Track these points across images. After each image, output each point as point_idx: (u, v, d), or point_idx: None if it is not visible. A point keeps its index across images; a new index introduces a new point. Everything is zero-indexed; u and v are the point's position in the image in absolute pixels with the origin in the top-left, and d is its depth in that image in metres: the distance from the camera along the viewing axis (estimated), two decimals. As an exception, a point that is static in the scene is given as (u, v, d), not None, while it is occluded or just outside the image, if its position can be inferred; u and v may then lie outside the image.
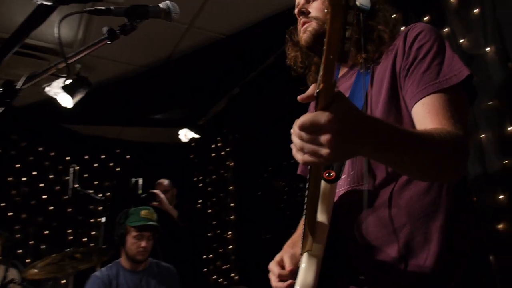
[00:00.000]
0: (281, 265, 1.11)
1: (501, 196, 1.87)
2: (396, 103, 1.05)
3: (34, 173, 4.78)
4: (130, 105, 4.33)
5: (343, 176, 1.10)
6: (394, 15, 1.24)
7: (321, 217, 1.01)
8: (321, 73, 0.65)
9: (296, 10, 1.24)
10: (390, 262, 0.97)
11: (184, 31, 3.38)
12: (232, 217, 4.62)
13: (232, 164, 4.79)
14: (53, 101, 3.29)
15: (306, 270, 0.95)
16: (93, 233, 4.86)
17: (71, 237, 4.80)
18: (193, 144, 5.25)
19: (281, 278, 1.07)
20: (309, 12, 1.20)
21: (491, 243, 1.92)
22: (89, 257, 2.81)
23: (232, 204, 4.65)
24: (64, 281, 3.53)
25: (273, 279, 1.09)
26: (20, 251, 4.40)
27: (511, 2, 1.93)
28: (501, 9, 1.99)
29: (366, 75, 1.12)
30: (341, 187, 1.10)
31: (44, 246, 4.56)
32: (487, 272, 1.06)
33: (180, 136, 4.75)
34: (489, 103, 2.00)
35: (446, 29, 2.33)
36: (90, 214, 4.87)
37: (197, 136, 4.70)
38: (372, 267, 0.99)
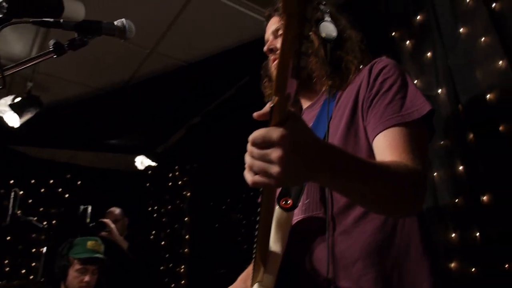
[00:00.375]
0: None
1: (453, 235, 1.90)
2: (355, 134, 1.04)
3: (-28, 196, 4.42)
4: (85, 128, 4.15)
5: (299, 204, 1.06)
6: (361, 41, 1.26)
7: (274, 246, 0.97)
8: (273, 86, 0.62)
9: (265, 48, 1.26)
10: None
11: (145, 55, 3.32)
12: (186, 250, 4.44)
13: (188, 194, 4.66)
14: (-1, 121, 3.10)
15: None
16: (34, 264, 4.49)
17: (8, 268, 4.40)
18: (149, 172, 5.09)
19: None
20: (278, 49, 1.21)
21: (444, 281, 1.92)
22: (25, 292, 2.57)
23: (187, 237, 4.48)
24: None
25: None
26: None
27: (460, 48, 2.04)
28: (451, 54, 2.10)
29: (331, 104, 1.12)
30: (296, 216, 1.06)
31: (-24, 278, 4.16)
32: None
33: (136, 163, 4.61)
34: (441, 142, 2.06)
35: (402, 70, 2.43)
36: (31, 244, 4.51)
37: (154, 164, 4.57)
38: None
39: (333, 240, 0.98)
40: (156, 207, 5.17)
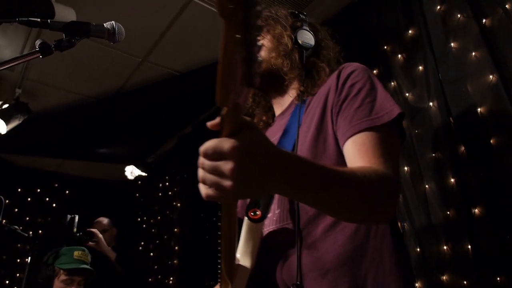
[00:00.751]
0: None
1: (445, 247, 1.89)
2: (324, 140, 1.03)
3: (-45, 205, 4.31)
4: (74, 137, 4.10)
5: (269, 215, 1.04)
6: (339, 53, 1.28)
7: (243, 259, 0.94)
8: (217, 97, 0.58)
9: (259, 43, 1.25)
10: None
11: (137, 64, 3.31)
12: (175, 261, 4.36)
13: (179, 205, 4.59)
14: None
15: None
16: (18, 275, 4.37)
17: (-9, 279, 4.29)
18: (139, 182, 5.02)
19: None
20: None
21: (435, 295, 1.91)
22: (6, 303, 2.48)
23: (176, 248, 4.41)
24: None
25: None
26: None
27: (451, 62, 2.06)
28: (442, 68, 2.12)
29: (301, 110, 1.12)
30: (267, 226, 1.04)
31: (-43, 289, 4.04)
32: None
33: (126, 173, 4.54)
34: (433, 154, 2.07)
35: (393, 83, 2.44)
36: (16, 254, 4.40)
37: (144, 174, 4.52)
38: None
39: (303, 251, 0.95)
40: (145, 218, 5.09)
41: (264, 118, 1.34)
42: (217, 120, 0.62)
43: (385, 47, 2.51)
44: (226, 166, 0.59)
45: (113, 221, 3.77)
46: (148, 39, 3.04)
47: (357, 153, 0.93)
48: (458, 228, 1.87)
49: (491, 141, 1.82)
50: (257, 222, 0.94)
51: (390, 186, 0.86)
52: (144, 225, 5.05)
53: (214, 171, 0.60)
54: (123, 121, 3.90)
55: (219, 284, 0.91)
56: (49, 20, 0.90)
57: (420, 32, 2.29)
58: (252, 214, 0.93)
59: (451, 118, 2.02)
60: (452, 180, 1.94)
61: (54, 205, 4.99)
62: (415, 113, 2.23)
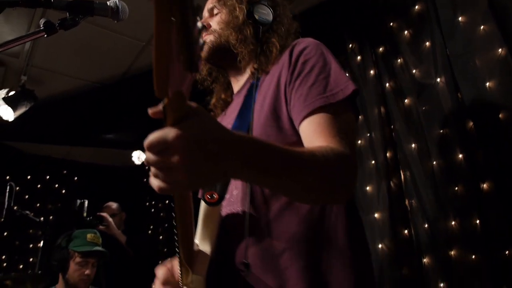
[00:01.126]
0: (171, 272, 0.98)
1: (453, 223, 1.89)
2: (279, 119, 1.00)
3: (-33, 193, 4.39)
4: (80, 123, 4.11)
5: (227, 196, 1.01)
6: (296, 29, 1.23)
7: (202, 244, 0.92)
8: (155, 86, 0.53)
9: (199, 24, 1.21)
10: None
11: (141, 48, 3.29)
12: (184, 244, 4.43)
13: (186, 188, 4.63)
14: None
15: None
16: (31, 259, 4.47)
17: (5, 264, 4.38)
18: (146, 167, 5.05)
19: None
20: (210, 26, 1.19)
21: (443, 269, 1.92)
22: (22, 285, 2.53)
23: (185, 231, 4.47)
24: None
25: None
26: None
27: (459, 36, 2.03)
28: (450, 43, 2.08)
29: (256, 89, 1.08)
30: (225, 208, 1.01)
31: (-27, 274, 4.14)
32: None
33: (133, 158, 4.58)
34: (440, 131, 2.06)
35: (400, 59, 2.41)
36: (28, 239, 4.49)
37: (151, 158, 4.54)
38: None
39: (257, 232, 0.93)
40: (153, 202, 5.14)
41: (223, 96, 1.31)
42: (159, 107, 0.57)
43: (392, 24, 2.47)
44: (173, 158, 0.55)
45: (121, 206, 3.81)
46: (151, 22, 3.00)
47: (313, 132, 0.91)
48: (466, 204, 1.87)
49: (500, 115, 1.80)
50: (215, 205, 0.91)
51: (349, 164, 0.84)
52: (153, 210, 5.11)
53: (162, 165, 0.56)
54: (129, 106, 3.90)
55: (179, 273, 0.88)
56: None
57: (427, 7, 2.24)
58: (209, 197, 0.90)
59: (459, 94, 2.00)
60: (460, 155, 1.93)
61: (63, 191, 5.05)
62: (422, 90, 2.21)
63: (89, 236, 2.53)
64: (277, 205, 0.95)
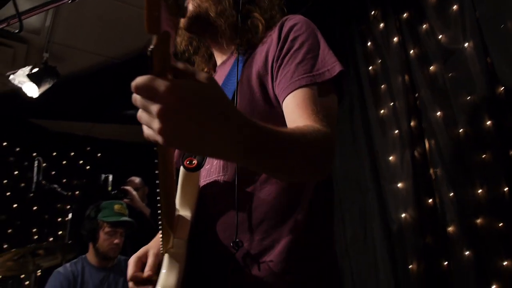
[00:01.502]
0: (143, 261, 1.01)
1: (480, 191, 1.86)
2: (264, 96, 0.99)
3: (-3, 169, 4.55)
4: (102, 100, 4.16)
5: (207, 166, 1.01)
6: (280, 1, 1.17)
7: (182, 210, 0.93)
8: (145, 22, 0.50)
9: None
10: (241, 263, 0.90)
11: (160, 21, 3.27)
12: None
13: (207, 163, 4.68)
14: (18, 94, 3.12)
15: (167, 275, 0.84)
16: (60, 232, 4.64)
17: (36, 236, 4.57)
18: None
19: (136, 280, 0.98)
20: None
21: (469, 238, 1.90)
22: (53, 254, 2.64)
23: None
24: (28, 281, 3.32)
25: (129, 276, 0.99)
26: (-19, 250, 4.15)
27: (490, -2, 1.94)
28: (480, 5, 2.00)
29: (240, 63, 1.06)
30: (205, 178, 1.01)
31: (6, 246, 4.32)
32: (337, 271, 1.00)
33: (154, 134, 4.62)
34: (468, 97, 2.00)
35: (425, 25, 2.33)
36: (57, 213, 4.65)
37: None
38: (226, 268, 0.91)
39: (239, 202, 0.93)
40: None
41: (205, 68, 1.28)
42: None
43: (417, -12, 2.38)
44: (155, 107, 0.54)
45: (144, 180, 3.88)
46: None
47: (296, 108, 0.90)
48: (494, 171, 1.83)
49: (532, 79, 1.74)
50: (193, 171, 0.90)
51: (328, 144, 0.84)
52: (174, 184, 5.19)
53: (145, 109, 0.55)
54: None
55: (160, 237, 0.87)
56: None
57: (455, -33, 2.14)
58: (188, 163, 0.89)
59: (488, 58, 1.93)
60: (489, 122, 1.87)
61: (87, 167, 5.18)
62: (448, 56, 2.14)
63: (116, 207, 2.61)
64: (258, 176, 0.96)
